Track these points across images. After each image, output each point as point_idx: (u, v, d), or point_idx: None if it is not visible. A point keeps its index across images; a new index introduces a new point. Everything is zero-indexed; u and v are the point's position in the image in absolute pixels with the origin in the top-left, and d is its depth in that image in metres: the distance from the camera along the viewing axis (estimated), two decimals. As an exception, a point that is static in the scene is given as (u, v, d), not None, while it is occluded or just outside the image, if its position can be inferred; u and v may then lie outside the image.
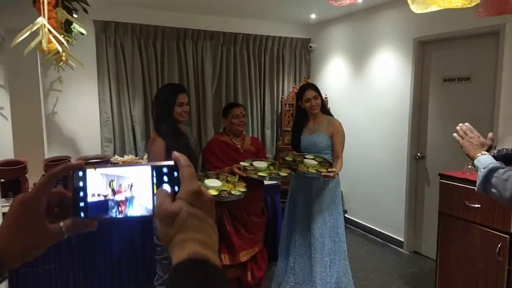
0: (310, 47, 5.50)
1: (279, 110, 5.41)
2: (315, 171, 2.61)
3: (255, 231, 2.74)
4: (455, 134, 1.65)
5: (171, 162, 0.58)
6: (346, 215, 4.88)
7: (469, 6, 1.46)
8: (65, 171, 0.57)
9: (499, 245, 2.43)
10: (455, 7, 1.49)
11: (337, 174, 2.69)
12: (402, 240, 4.22)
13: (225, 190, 2.29)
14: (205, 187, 2.25)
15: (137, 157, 3.51)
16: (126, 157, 3.53)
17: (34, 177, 3.22)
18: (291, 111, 5.26)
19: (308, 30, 5.43)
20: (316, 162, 2.73)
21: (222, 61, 5.01)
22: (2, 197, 2.86)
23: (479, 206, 2.59)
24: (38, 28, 1.46)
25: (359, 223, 4.85)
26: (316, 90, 2.91)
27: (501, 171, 1.42)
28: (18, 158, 3.21)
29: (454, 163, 3.52)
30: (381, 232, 4.52)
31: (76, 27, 3.03)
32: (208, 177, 2.43)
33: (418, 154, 4.01)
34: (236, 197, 2.27)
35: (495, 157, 1.59)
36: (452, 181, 2.83)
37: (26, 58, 3.40)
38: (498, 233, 2.46)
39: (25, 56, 1.57)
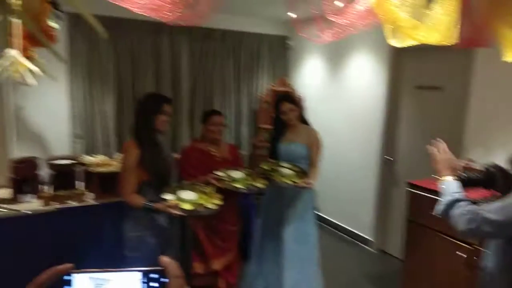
0: (288, 44, 5.47)
1: (256, 107, 5.39)
2: (290, 182, 2.63)
3: (229, 239, 2.76)
4: (430, 147, 1.71)
5: (160, 268, 0.58)
6: (318, 213, 4.97)
7: (445, 43, 1.49)
8: (51, 278, 0.56)
9: (462, 255, 2.56)
10: (432, 43, 1.52)
11: (312, 184, 2.73)
12: (370, 239, 4.37)
13: (200, 204, 2.28)
14: (179, 200, 2.25)
15: (109, 158, 3.41)
16: (97, 157, 3.42)
17: (-1, 179, 3.08)
18: (268, 109, 5.26)
19: (286, 27, 5.39)
20: (292, 172, 2.75)
21: (199, 57, 4.92)
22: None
23: (445, 218, 2.71)
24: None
25: (330, 221, 4.97)
26: (292, 101, 2.90)
27: (462, 203, 1.52)
28: (-19, 159, 3.06)
29: (422, 168, 3.65)
30: (351, 230, 4.66)
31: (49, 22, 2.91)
32: (183, 189, 2.41)
33: (388, 157, 4.13)
34: (211, 211, 2.26)
35: (467, 181, 1.70)
36: (420, 191, 2.94)
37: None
38: (462, 244, 2.59)
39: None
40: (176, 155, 3.07)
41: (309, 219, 2.95)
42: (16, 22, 1.52)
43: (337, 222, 4.88)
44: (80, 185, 3.14)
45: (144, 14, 1.17)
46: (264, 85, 5.42)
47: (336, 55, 4.74)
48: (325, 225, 4.97)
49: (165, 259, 0.59)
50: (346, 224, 4.75)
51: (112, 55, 4.34)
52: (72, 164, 3.17)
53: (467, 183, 1.72)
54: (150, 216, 2.32)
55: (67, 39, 4.06)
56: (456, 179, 1.62)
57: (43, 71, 1.92)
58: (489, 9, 1.61)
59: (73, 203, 2.86)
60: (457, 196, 1.55)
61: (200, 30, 4.78)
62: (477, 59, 3.21)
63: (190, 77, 4.89)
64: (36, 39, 1.34)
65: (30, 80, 1.58)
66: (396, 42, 1.58)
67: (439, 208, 1.62)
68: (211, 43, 4.95)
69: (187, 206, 2.22)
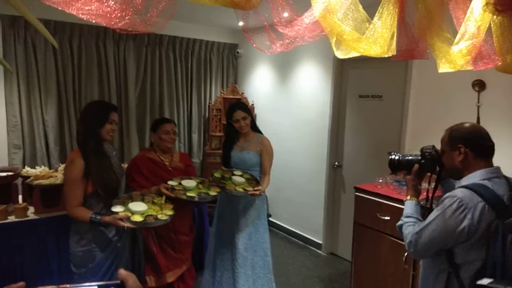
0: (238, 52, 5.54)
1: (207, 115, 5.38)
2: (242, 190, 2.66)
3: (182, 249, 2.71)
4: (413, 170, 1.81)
5: (118, 282, 0.57)
6: (270, 219, 5.06)
7: (384, 55, 1.61)
8: None
9: (405, 254, 2.72)
10: (373, 55, 1.63)
11: (264, 191, 2.77)
12: (321, 242, 4.51)
13: (151, 215, 2.22)
14: (129, 212, 2.18)
15: (52, 170, 3.22)
16: (38, 169, 3.21)
17: None
18: (219, 116, 5.28)
19: (235, 36, 5.46)
20: (244, 180, 2.77)
21: (147, 63, 4.82)
22: None
23: (389, 218, 2.88)
24: None
25: (282, 226, 5.06)
26: (245, 110, 2.94)
27: (405, 224, 1.69)
28: None
29: (366, 172, 3.86)
30: (302, 235, 4.77)
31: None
32: (132, 199, 2.34)
33: (336, 163, 4.30)
34: (163, 222, 2.22)
35: (399, 162, 1.85)
36: (366, 194, 3.09)
37: None
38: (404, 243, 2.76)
39: None
40: (125, 165, 2.98)
41: (261, 226, 2.98)
42: None
43: (289, 227, 4.98)
44: (19, 198, 2.95)
45: (91, 20, 1.13)
46: (214, 93, 5.43)
47: (284, 64, 4.87)
48: (277, 231, 5.06)
49: (123, 272, 0.58)
50: (297, 229, 4.86)
51: (52, 60, 4.12)
52: (11, 176, 2.95)
53: (402, 165, 1.85)
54: (98, 229, 2.22)
55: (1, 42, 3.81)
56: (415, 202, 1.76)
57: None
58: (424, 23, 1.76)
59: (14, 219, 2.67)
60: (405, 220, 1.71)
61: (148, 36, 4.70)
62: (412, 70, 3.47)
63: (137, 85, 4.77)
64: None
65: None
66: (341, 54, 1.67)
67: (397, 225, 1.77)
68: (159, 50, 4.88)
69: (137, 218, 2.16)
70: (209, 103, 5.33)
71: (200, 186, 2.66)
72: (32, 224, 2.70)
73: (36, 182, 2.84)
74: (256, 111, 5.22)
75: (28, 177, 2.95)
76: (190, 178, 2.69)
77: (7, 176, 2.95)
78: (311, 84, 4.50)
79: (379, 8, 1.66)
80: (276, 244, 4.58)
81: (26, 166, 3.37)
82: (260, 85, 5.33)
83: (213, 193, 2.61)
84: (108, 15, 1.09)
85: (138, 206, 2.26)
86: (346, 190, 4.27)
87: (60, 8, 1.11)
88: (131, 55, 4.65)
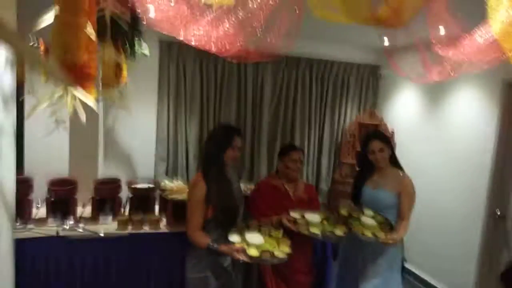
0: (380, 74, 5.08)
1: (339, 139, 5.07)
2: (371, 235, 2.28)
3: (300, 291, 2.47)
4: None
5: None
6: (405, 265, 4.39)
7: None
8: None
9: None
10: None
11: (398, 241, 2.33)
12: (470, 306, 3.67)
13: (267, 251, 2.05)
14: (245, 244, 2.05)
15: (186, 185, 3.39)
16: (175, 183, 3.42)
17: (83, 197, 3.21)
18: (352, 142, 4.91)
19: (378, 56, 5.02)
20: (375, 223, 2.39)
21: (283, 85, 4.80)
22: (50, 217, 2.88)
23: None
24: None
25: (418, 276, 4.33)
26: (383, 140, 2.54)
27: None
28: (70, 176, 3.23)
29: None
30: (444, 291, 3.99)
31: (140, 49, 3.05)
32: (249, 229, 2.22)
33: (498, 212, 3.46)
34: (278, 260, 2.03)
35: None
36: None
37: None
38: None
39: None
40: (250, 187, 2.93)
41: (392, 279, 2.52)
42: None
43: (428, 280, 4.21)
44: (155, 210, 3.15)
45: (200, 47, 1.03)
46: (349, 117, 5.08)
47: (434, 87, 4.19)
48: (413, 280, 4.35)
49: None
50: (440, 282, 4.08)
51: (198, 82, 4.43)
52: (150, 188, 3.19)
53: None
54: (214, 256, 2.16)
55: (158, 64, 4.28)
56: None
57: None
58: None
59: (147, 229, 2.84)
60: None
61: (286, 58, 4.67)
62: None
63: (271, 106, 4.78)
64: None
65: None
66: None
67: None
68: (296, 72, 4.80)
69: (253, 252, 2.02)
70: (343, 127, 5.00)
71: (325, 222, 2.39)
72: (161, 237, 2.82)
73: (170, 196, 2.99)
74: (396, 140, 4.66)
75: (164, 190, 3.13)
76: (315, 212, 2.45)
77: (147, 188, 3.19)
78: (469, 112, 3.77)
79: None
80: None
81: (164, 180, 3.61)
82: (404, 110, 4.75)
83: (339, 232, 2.32)
84: (219, 41, 0.95)
85: (254, 238, 2.12)
86: (510, 247, 3.39)
87: (165, 33, 1.03)
88: (269, 78, 4.69)
